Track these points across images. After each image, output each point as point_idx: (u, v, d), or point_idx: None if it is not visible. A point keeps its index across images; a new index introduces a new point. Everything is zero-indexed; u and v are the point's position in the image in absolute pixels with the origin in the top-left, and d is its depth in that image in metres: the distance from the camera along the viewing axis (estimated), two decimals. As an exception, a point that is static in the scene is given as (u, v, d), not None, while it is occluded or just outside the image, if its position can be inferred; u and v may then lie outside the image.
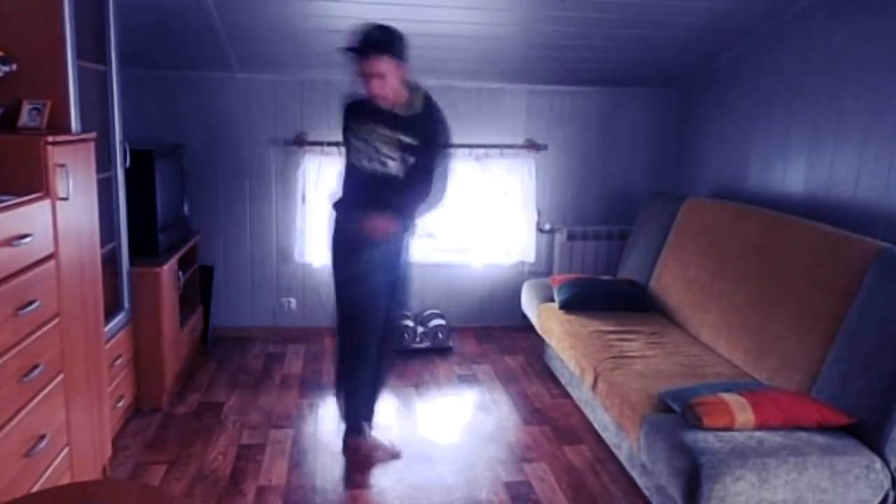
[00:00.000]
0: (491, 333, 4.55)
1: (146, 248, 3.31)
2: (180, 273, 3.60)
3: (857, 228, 2.79)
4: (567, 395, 3.59)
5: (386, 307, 2.90)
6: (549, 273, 4.49)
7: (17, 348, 1.89)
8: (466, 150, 4.27)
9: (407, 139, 2.72)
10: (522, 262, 4.52)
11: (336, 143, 3.90)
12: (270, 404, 3.43)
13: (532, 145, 4.41)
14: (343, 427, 3.01)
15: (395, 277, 2.94)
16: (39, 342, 2.01)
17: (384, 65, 2.61)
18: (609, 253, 4.50)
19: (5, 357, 1.82)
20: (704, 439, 2.18)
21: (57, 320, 2.14)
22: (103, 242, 2.69)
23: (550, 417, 3.38)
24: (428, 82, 2.91)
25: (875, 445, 2.19)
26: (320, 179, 4.13)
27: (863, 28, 2.98)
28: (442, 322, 4.24)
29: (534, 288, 4.03)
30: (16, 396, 1.89)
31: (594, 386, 2.93)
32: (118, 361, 2.97)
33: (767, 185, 3.61)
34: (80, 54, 2.51)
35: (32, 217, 1.99)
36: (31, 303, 1.95)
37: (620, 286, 3.82)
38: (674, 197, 3.95)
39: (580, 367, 3.12)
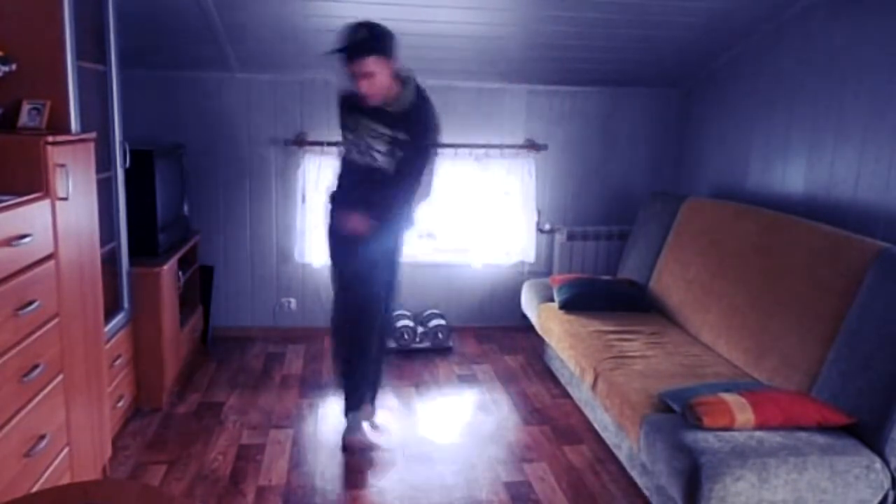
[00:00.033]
0: (491, 333, 4.55)
1: (146, 248, 3.31)
2: (180, 273, 3.60)
3: (857, 228, 2.79)
4: (567, 395, 3.59)
5: (384, 299, 3.03)
6: (549, 273, 4.49)
7: (17, 348, 1.89)
8: (466, 150, 4.28)
9: (396, 134, 2.74)
10: (522, 262, 4.52)
11: (336, 144, 3.90)
12: (270, 404, 3.43)
13: (532, 145, 4.40)
14: (343, 428, 3.04)
15: (390, 272, 3.05)
16: (39, 342, 2.01)
17: (372, 64, 2.63)
18: (609, 253, 4.49)
19: (5, 357, 1.82)
20: (704, 439, 2.18)
21: (57, 320, 2.13)
22: (103, 242, 2.69)
23: (550, 417, 3.38)
24: (428, 82, 2.92)
25: (875, 445, 2.19)
26: (320, 179, 4.12)
27: (863, 28, 2.98)
28: (442, 322, 4.24)
29: (534, 288, 4.03)
30: (16, 396, 1.89)
31: (594, 386, 2.93)
32: (118, 361, 2.97)
33: (767, 185, 3.61)
34: (79, 54, 2.50)
35: (32, 217, 1.99)
36: (30, 303, 1.94)
37: (620, 286, 3.82)
38: (674, 197, 3.95)
39: (580, 367, 3.12)
